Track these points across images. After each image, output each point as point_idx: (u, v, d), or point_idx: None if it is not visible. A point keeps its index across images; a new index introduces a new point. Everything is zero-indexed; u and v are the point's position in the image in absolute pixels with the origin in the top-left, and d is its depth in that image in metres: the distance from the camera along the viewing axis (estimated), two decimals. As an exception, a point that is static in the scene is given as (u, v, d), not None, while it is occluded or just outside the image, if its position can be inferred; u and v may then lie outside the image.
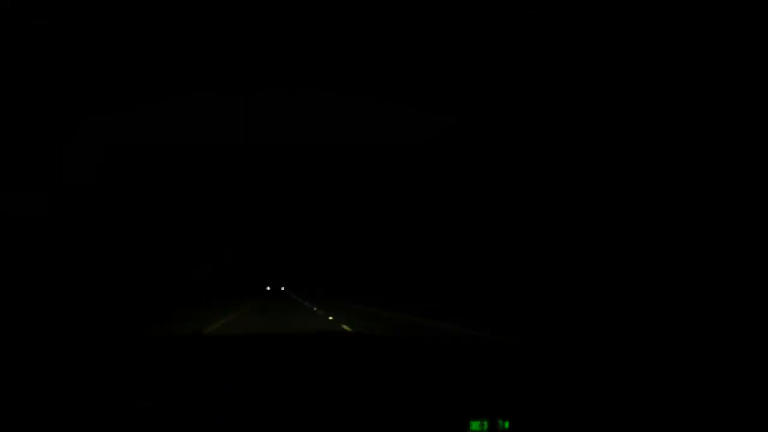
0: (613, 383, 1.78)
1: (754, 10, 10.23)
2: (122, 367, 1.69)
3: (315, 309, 23.50)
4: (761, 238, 10.13)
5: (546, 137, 16.88)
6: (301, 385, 1.61)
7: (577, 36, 12.88)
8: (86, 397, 1.48)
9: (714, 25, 10.85)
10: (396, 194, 35.51)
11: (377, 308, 22.97)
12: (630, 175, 13.83)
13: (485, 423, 1.40)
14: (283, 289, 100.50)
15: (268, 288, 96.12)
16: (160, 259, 28.77)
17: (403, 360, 2.09)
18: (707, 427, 1.59)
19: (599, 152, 14.91)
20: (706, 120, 11.62)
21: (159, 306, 18.95)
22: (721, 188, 11.26)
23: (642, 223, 13.20)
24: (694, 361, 2.14)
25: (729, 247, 10.78)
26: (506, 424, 1.41)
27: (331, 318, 16.51)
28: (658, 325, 9.92)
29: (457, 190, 25.56)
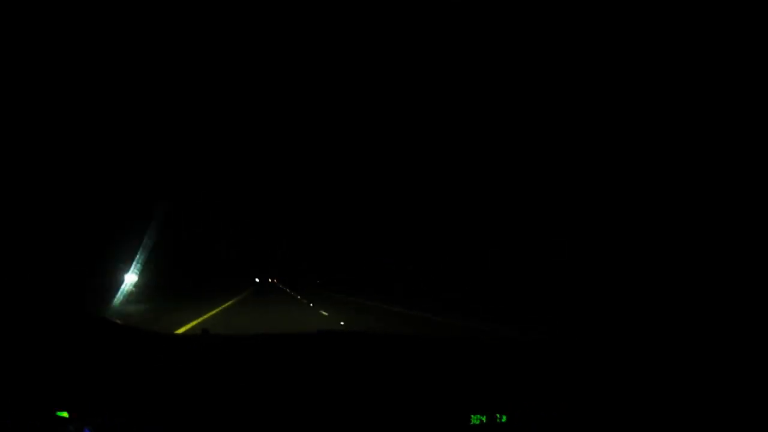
0: (612, 382, 1.78)
1: (754, 10, 10.23)
2: (117, 364, 1.67)
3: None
4: (761, 238, 10.12)
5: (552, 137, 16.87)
6: (302, 385, 1.61)
7: (577, 36, 12.86)
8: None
9: (714, 25, 10.85)
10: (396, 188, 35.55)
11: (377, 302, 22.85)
12: (633, 174, 13.81)
13: (484, 417, 1.40)
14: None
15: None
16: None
17: (405, 357, 2.10)
18: (707, 427, 1.58)
19: (603, 152, 14.89)
20: (707, 120, 11.62)
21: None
22: (721, 187, 11.26)
23: (648, 222, 13.17)
24: (697, 361, 2.12)
25: (729, 243, 10.77)
26: (504, 418, 1.42)
27: (325, 313, 15.98)
28: (662, 323, 9.90)
29: (457, 185, 25.49)
